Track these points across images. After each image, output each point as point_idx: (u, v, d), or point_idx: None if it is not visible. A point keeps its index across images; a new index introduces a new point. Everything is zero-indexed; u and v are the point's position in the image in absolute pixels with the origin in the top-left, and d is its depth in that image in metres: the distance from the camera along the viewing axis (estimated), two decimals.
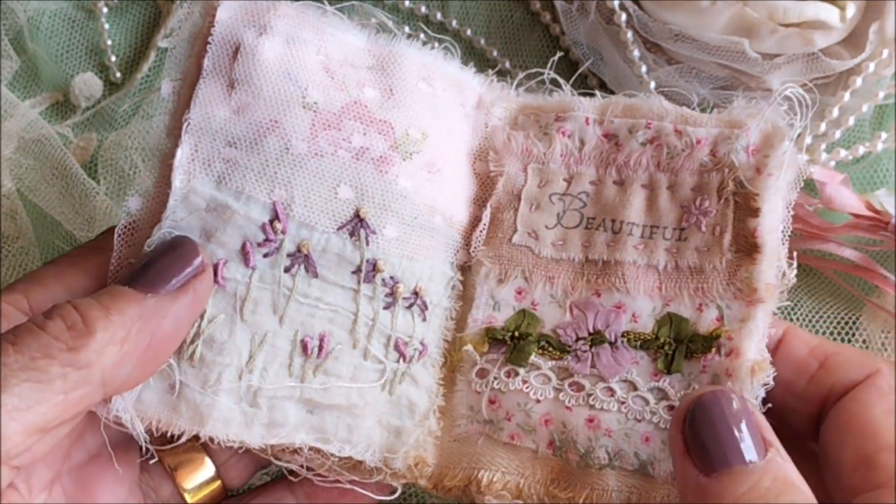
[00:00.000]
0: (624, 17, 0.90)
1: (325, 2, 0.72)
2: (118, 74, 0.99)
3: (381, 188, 0.70)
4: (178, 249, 0.66)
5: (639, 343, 0.72)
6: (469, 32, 0.99)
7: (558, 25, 0.97)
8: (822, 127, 0.91)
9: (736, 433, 0.62)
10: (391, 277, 0.71)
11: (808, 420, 0.70)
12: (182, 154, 0.68)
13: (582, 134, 0.75)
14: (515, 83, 0.77)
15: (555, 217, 0.75)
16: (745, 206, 0.71)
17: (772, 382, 0.69)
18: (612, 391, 0.71)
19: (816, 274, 0.89)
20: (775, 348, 0.71)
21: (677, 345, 0.71)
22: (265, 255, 0.69)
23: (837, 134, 0.91)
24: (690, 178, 0.72)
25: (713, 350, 0.70)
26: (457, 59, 0.76)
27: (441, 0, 0.99)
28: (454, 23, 0.99)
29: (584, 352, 0.72)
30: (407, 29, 0.97)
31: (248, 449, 0.69)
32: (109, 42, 1.00)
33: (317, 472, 0.71)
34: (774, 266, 0.70)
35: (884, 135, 0.92)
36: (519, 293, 0.74)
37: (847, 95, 0.90)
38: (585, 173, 0.75)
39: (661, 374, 0.71)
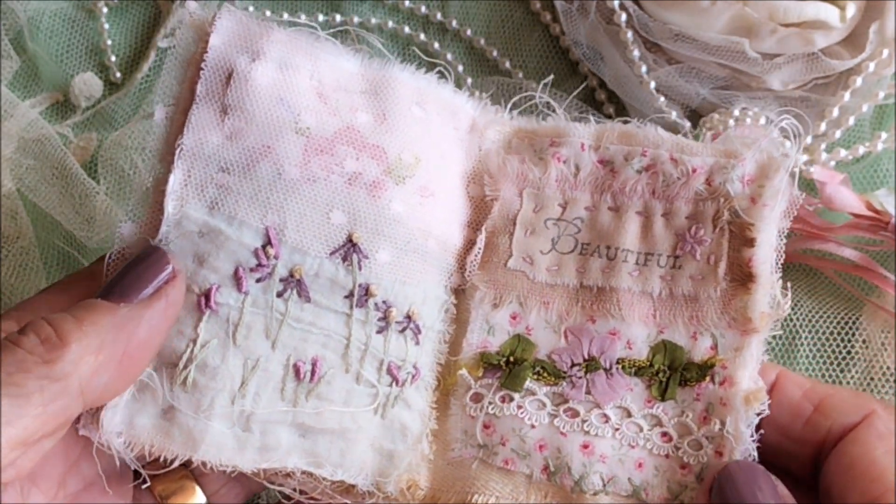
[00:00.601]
0: (624, 17, 0.90)
1: (318, 27, 0.72)
2: (118, 74, 0.99)
3: (373, 213, 0.70)
4: (149, 259, 0.66)
5: (633, 370, 0.72)
6: (469, 32, 0.99)
7: (558, 25, 0.97)
8: (822, 127, 0.91)
9: (760, 496, 0.64)
10: (384, 302, 0.71)
11: (806, 463, 0.70)
12: (175, 180, 0.68)
13: (577, 160, 0.74)
14: (508, 107, 0.76)
15: (550, 242, 0.74)
16: (740, 235, 0.71)
17: (767, 410, 0.69)
18: (606, 417, 0.71)
19: (816, 274, 0.89)
20: (769, 393, 0.71)
21: (671, 372, 0.71)
22: (258, 280, 0.68)
23: (837, 134, 0.91)
24: (686, 207, 0.72)
25: (707, 378, 0.70)
26: (450, 82, 0.75)
27: (441, 0, 0.99)
28: (454, 23, 0.99)
29: (579, 378, 0.72)
30: (407, 29, 0.97)
31: (238, 477, 0.69)
32: (109, 42, 1.00)
33: (310, 496, 0.71)
34: (768, 295, 0.70)
35: (884, 135, 0.92)
36: (513, 318, 0.74)
37: (847, 95, 0.90)
38: (580, 199, 0.74)
39: (654, 401, 0.71)
